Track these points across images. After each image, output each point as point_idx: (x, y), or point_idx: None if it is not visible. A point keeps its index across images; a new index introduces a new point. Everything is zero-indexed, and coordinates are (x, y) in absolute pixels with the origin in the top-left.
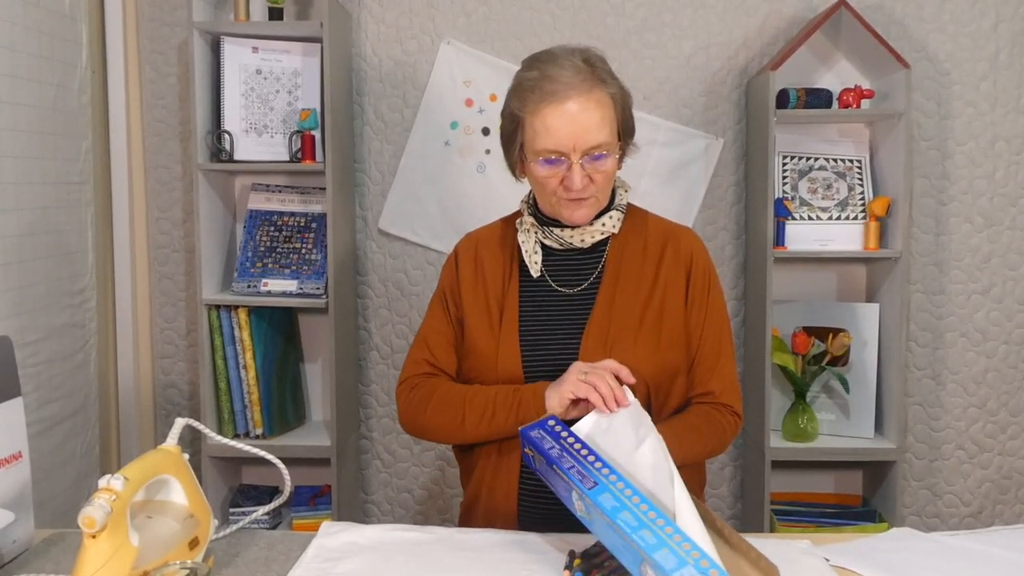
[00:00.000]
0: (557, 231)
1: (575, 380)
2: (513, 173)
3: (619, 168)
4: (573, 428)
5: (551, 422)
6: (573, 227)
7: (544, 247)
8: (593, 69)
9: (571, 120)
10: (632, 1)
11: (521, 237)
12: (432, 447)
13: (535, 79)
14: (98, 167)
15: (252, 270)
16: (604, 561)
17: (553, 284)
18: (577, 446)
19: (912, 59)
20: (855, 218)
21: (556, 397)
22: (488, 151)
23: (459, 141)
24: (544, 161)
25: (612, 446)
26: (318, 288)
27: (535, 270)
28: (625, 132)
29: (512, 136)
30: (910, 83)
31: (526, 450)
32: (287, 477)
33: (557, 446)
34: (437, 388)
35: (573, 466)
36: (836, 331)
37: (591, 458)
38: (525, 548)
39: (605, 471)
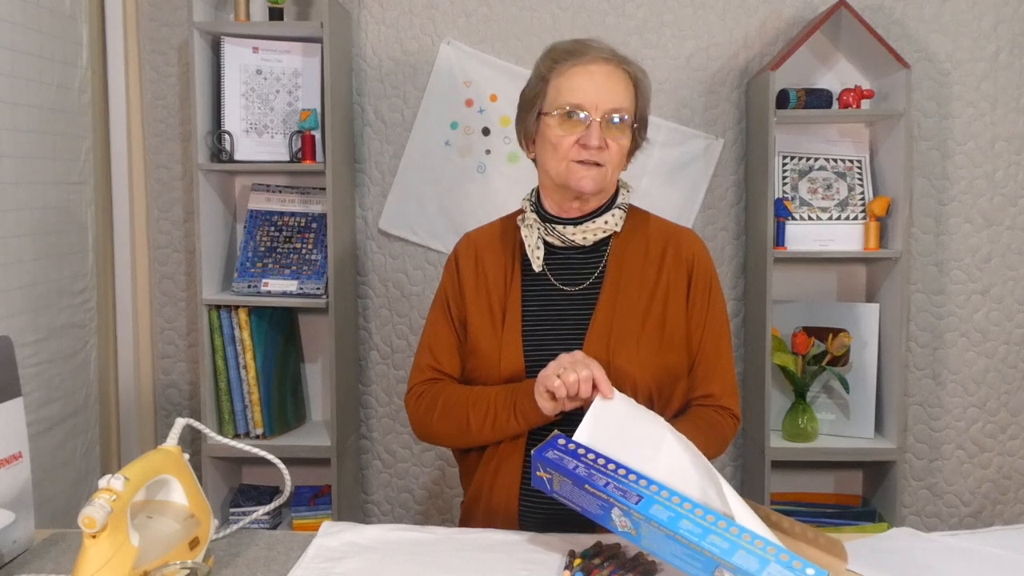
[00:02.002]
0: (559, 228)
1: (550, 375)
2: (523, 146)
3: (626, 165)
4: (574, 437)
5: (561, 440)
6: (575, 224)
7: (546, 245)
8: (622, 55)
9: (596, 81)
10: (632, 1)
11: (524, 232)
12: (432, 447)
13: (569, 44)
14: (98, 167)
15: (252, 270)
16: (604, 562)
17: (555, 282)
18: (601, 461)
19: (912, 59)
20: (855, 218)
21: (538, 396)
22: (488, 151)
23: (459, 141)
24: (563, 116)
25: (629, 452)
26: (318, 288)
27: (537, 264)
28: (641, 120)
29: (532, 100)
30: (910, 83)
31: (540, 473)
32: (287, 477)
33: (581, 465)
34: (441, 394)
35: (608, 483)
36: (836, 331)
37: (621, 471)
38: (525, 548)
39: (643, 483)
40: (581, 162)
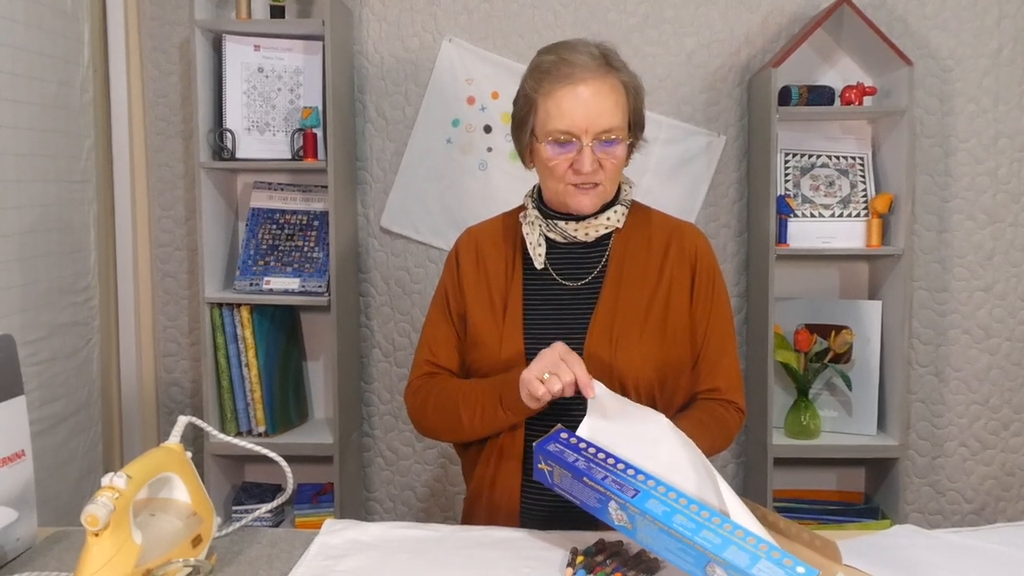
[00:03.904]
0: (561, 224)
1: (533, 381)
2: (523, 160)
3: (626, 163)
4: (577, 431)
5: (563, 434)
6: (578, 220)
7: (547, 240)
8: (608, 58)
9: (584, 103)
10: None
11: (525, 229)
12: (434, 444)
13: (552, 62)
14: (100, 165)
15: (254, 268)
16: (606, 559)
17: (557, 277)
18: (601, 456)
19: (915, 56)
20: (857, 215)
21: (523, 396)
22: (490, 149)
23: (461, 139)
24: (555, 143)
25: (627, 447)
26: (320, 286)
27: (539, 262)
28: (635, 124)
29: (524, 119)
30: (912, 80)
31: (541, 466)
32: (289, 475)
33: (581, 458)
34: (435, 389)
35: (606, 476)
36: (839, 328)
37: (620, 466)
38: (527, 545)
39: (640, 477)
40: (577, 185)
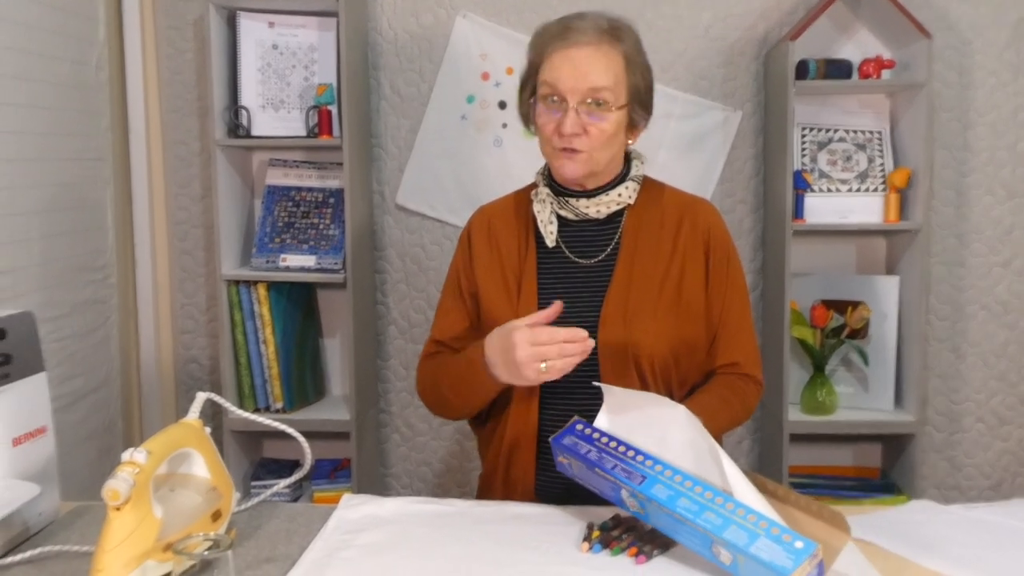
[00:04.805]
0: (572, 201)
1: (530, 377)
2: (525, 125)
3: (632, 140)
4: (594, 423)
5: (579, 426)
6: (588, 197)
7: (559, 218)
8: (614, 30)
9: (573, 63)
10: None
11: (536, 207)
12: (449, 421)
13: (554, 28)
14: (116, 144)
15: (271, 245)
16: (622, 534)
17: (570, 254)
18: (613, 444)
19: (933, 28)
20: (875, 190)
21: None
22: (505, 125)
23: (476, 115)
24: (544, 104)
25: (641, 434)
26: (336, 263)
27: (550, 239)
28: (635, 99)
29: (526, 82)
30: (931, 53)
31: (560, 459)
32: (308, 451)
33: (593, 449)
34: (428, 367)
35: (616, 465)
36: (855, 304)
37: (630, 453)
38: (543, 521)
39: (649, 463)
40: (563, 149)
